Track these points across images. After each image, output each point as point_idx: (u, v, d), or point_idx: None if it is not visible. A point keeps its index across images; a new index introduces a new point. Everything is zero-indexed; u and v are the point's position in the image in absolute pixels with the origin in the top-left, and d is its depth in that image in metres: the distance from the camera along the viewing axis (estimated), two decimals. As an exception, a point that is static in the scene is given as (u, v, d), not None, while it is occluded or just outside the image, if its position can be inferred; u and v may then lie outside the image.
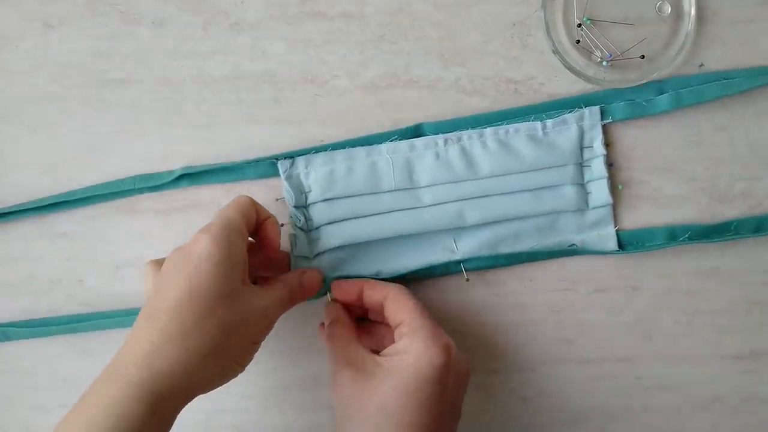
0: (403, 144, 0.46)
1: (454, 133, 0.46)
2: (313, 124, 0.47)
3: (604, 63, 0.47)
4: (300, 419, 0.48)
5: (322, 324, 0.45)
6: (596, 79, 0.46)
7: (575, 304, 0.47)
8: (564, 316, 0.47)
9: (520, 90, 0.47)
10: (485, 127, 0.46)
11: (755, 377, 0.47)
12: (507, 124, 0.46)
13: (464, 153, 0.46)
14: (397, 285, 0.43)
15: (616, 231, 0.46)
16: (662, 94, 0.46)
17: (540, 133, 0.46)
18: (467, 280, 0.47)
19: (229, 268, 0.38)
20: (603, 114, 0.46)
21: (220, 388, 0.47)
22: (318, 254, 0.46)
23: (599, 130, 0.46)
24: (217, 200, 0.48)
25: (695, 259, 0.47)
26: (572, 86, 0.47)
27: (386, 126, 0.47)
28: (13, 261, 0.48)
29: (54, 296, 0.48)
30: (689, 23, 0.46)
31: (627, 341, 0.47)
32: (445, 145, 0.46)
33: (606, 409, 0.48)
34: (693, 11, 0.46)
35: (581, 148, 0.46)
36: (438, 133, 0.46)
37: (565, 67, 0.46)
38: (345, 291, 0.44)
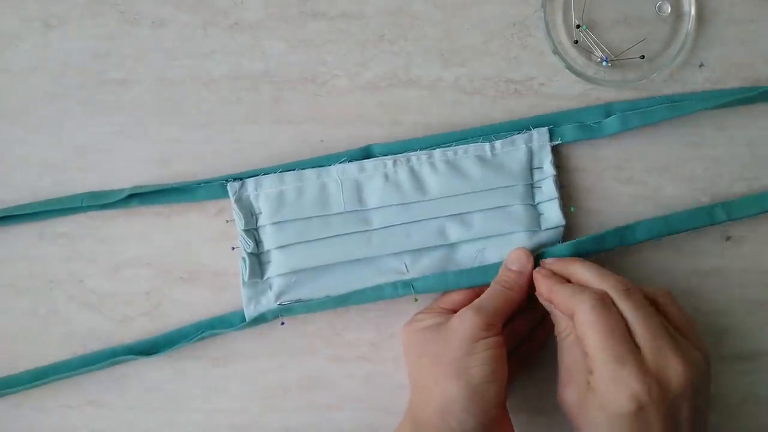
0: (353, 166, 0.46)
1: (404, 154, 0.46)
2: (313, 124, 0.47)
3: (604, 63, 0.47)
4: (300, 419, 0.48)
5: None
6: (596, 79, 0.46)
7: (575, 304, 0.47)
8: (564, 316, 0.47)
9: (520, 90, 0.47)
10: (434, 148, 0.46)
11: (755, 377, 0.47)
12: (456, 145, 0.46)
13: (413, 174, 0.46)
14: (587, 296, 0.39)
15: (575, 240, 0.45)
16: (610, 116, 0.46)
17: (488, 153, 0.46)
18: (416, 300, 0.46)
19: None
20: (552, 135, 0.46)
21: (219, 387, 0.47)
22: (269, 278, 0.46)
23: (548, 150, 0.46)
24: (217, 202, 0.48)
25: (695, 259, 0.47)
26: (572, 86, 0.47)
27: (386, 126, 0.47)
28: (13, 261, 0.48)
29: (54, 296, 0.48)
30: (689, 23, 0.46)
31: (627, 341, 0.47)
32: (394, 167, 0.46)
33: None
34: (693, 11, 0.46)
35: (531, 169, 0.46)
36: (387, 155, 0.46)
37: (565, 67, 0.46)
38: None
